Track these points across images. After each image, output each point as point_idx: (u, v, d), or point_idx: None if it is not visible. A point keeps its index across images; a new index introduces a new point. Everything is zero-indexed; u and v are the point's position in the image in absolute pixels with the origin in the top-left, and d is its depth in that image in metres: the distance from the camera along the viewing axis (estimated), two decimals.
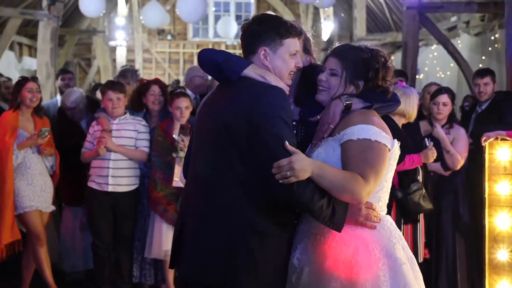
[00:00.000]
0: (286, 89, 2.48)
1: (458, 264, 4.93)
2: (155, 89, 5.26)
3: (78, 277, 5.74)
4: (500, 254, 4.85)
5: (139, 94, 5.39)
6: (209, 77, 6.10)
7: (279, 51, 2.48)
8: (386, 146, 2.48)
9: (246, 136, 2.33)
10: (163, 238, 4.92)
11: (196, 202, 2.49)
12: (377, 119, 2.57)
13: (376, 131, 2.47)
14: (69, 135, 5.57)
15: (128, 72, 6.53)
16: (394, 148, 2.55)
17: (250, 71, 2.44)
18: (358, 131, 2.46)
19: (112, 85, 5.13)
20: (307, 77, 2.77)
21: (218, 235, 2.38)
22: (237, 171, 2.37)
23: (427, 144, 4.55)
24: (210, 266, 2.40)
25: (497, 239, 4.87)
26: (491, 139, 4.83)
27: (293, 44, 2.51)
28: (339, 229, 2.38)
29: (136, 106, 5.38)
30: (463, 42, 10.90)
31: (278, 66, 2.49)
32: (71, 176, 5.56)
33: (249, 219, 2.37)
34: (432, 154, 4.49)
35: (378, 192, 2.55)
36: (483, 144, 4.87)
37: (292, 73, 2.57)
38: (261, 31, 2.47)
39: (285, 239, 2.49)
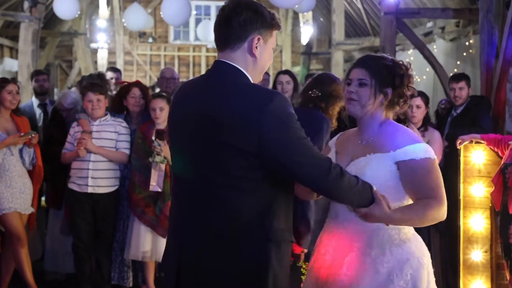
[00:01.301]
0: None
1: (434, 264, 4.95)
2: (136, 91, 5.24)
3: (59, 278, 5.69)
4: (474, 255, 4.89)
5: (120, 96, 5.36)
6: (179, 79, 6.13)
7: (268, 42, 2.30)
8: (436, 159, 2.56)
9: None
10: (141, 240, 4.90)
11: (195, 216, 2.26)
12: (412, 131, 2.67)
13: (429, 149, 2.53)
14: (57, 138, 5.48)
15: (91, 78, 6.49)
16: None
17: None
18: (419, 151, 2.49)
19: (92, 87, 5.09)
20: None
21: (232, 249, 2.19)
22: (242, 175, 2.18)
23: None
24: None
25: (471, 240, 4.91)
26: (466, 142, 4.88)
27: (275, 37, 2.36)
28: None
29: (117, 108, 5.35)
30: (438, 47, 11.00)
31: (265, 58, 2.30)
32: (57, 178, 5.50)
33: (264, 226, 2.20)
34: None
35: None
36: (458, 147, 4.92)
37: None
38: (257, 18, 2.23)
39: (291, 244, 2.37)
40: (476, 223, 4.90)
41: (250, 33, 2.24)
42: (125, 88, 5.34)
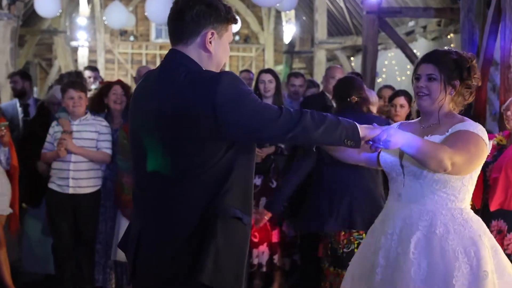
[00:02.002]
0: None
1: None
2: (117, 89, 5.21)
3: (38, 279, 5.63)
4: None
5: (101, 95, 5.32)
6: None
7: (224, 37, 2.25)
8: (486, 144, 2.66)
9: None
10: None
11: (152, 204, 2.31)
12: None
13: (482, 129, 2.66)
14: (40, 135, 5.40)
15: (69, 76, 6.48)
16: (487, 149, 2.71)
17: None
18: (468, 125, 2.65)
19: (73, 84, 5.04)
20: None
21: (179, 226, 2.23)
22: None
23: None
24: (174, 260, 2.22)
25: None
26: None
27: (231, 31, 2.30)
28: (358, 145, 2.37)
29: (97, 107, 5.30)
30: (420, 46, 11.07)
31: (220, 53, 2.26)
32: (36, 176, 5.43)
33: (213, 202, 2.20)
34: None
35: (468, 185, 2.72)
36: None
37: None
38: (211, 12, 2.19)
39: (244, 225, 2.30)
40: None
41: (204, 27, 2.20)
42: (107, 86, 5.30)
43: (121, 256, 4.88)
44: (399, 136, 2.49)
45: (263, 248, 5.29)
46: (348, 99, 4.31)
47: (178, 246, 2.21)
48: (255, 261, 5.29)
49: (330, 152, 2.89)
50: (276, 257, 5.28)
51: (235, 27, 2.36)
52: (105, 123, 5.06)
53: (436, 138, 2.67)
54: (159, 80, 2.26)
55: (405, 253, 2.64)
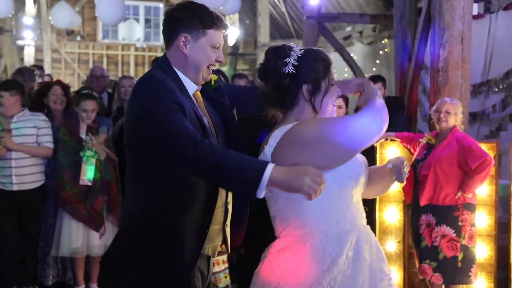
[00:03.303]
0: (200, 83, 2.33)
1: None
2: (57, 89, 5.10)
3: None
4: (389, 245, 5.04)
5: (40, 94, 5.20)
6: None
7: (200, 40, 2.26)
8: None
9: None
10: (73, 236, 4.78)
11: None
12: None
13: None
14: None
15: (25, 71, 6.36)
16: None
17: None
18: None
19: (4, 84, 4.92)
20: None
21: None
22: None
23: None
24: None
25: (386, 231, 5.06)
26: (382, 140, 5.01)
27: (216, 36, 2.29)
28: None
29: (37, 106, 5.16)
30: (356, 50, 11.27)
31: (197, 57, 2.27)
32: None
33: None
34: None
35: None
36: (374, 145, 5.05)
37: (212, 66, 2.36)
38: (185, 17, 2.25)
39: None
40: (390, 215, 5.05)
41: (178, 32, 2.26)
42: (46, 86, 5.19)
43: (64, 251, 4.80)
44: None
45: None
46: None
47: None
48: None
49: None
50: None
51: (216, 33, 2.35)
52: (43, 117, 4.91)
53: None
54: None
55: None
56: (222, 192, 2.28)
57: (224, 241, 2.38)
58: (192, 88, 2.30)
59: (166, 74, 2.25)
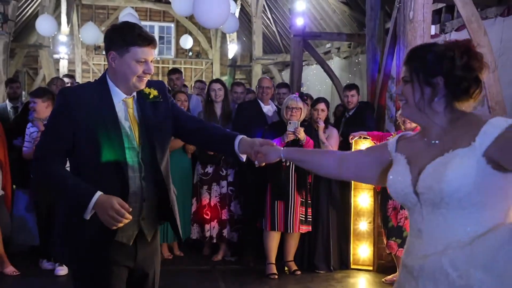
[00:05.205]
0: (132, 92, 2.28)
1: (331, 234, 5.03)
2: None
3: (24, 249, 5.40)
4: (361, 225, 5.04)
5: None
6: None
7: (125, 56, 2.19)
8: None
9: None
10: None
11: None
12: None
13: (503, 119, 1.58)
14: (23, 127, 5.14)
15: (57, 80, 6.36)
16: None
17: None
18: (500, 121, 1.55)
19: (35, 92, 4.82)
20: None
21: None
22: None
23: (289, 129, 4.63)
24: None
25: (359, 213, 5.05)
26: (356, 138, 5.00)
27: (140, 52, 2.20)
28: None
29: None
30: (335, 63, 11.24)
31: (123, 70, 2.21)
32: (22, 163, 5.18)
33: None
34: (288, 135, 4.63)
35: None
36: (350, 141, 5.04)
37: (144, 78, 2.25)
38: (112, 37, 2.23)
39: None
40: (363, 200, 5.04)
41: (108, 50, 2.25)
42: None
43: None
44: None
45: (214, 224, 5.25)
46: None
47: None
48: (207, 234, 5.25)
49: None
50: (225, 231, 5.26)
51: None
52: None
53: (462, 152, 1.57)
54: None
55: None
56: (137, 191, 2.22)
57: (141, 232, 2.27)
58: (119, 96, 2.25)
59: (98, 83, 2.28)
